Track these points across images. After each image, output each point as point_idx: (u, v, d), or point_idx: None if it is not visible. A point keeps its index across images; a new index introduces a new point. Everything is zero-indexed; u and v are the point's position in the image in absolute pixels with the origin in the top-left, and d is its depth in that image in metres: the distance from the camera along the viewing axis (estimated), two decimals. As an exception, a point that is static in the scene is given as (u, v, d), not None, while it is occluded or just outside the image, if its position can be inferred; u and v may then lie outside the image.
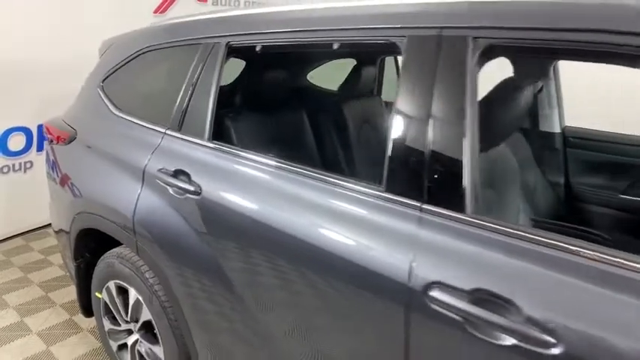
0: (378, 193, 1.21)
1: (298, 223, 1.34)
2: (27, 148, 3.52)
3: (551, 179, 2.25)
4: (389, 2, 1.35)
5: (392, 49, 1.28)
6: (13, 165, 3.48)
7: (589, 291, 0.91)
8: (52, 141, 2.30)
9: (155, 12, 4.11)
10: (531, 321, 0.93)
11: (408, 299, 1.09)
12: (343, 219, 1.26)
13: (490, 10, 1.13)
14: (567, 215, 2.21)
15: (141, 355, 2.00)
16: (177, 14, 3.42)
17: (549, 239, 0.98)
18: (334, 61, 3.05)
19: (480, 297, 1.00)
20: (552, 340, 0.91)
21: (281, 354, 1.46)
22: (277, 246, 1.38)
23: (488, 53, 1.12)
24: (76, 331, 2.58)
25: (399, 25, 1.26)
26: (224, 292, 1.54)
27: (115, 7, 3.66)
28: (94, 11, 3.54)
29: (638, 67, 1.03)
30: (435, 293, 1.05)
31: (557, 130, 2.33)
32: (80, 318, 2.61)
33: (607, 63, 1.17)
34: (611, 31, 0.97)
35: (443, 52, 1.15)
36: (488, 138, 1.38)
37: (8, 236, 3.60)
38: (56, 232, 2.44)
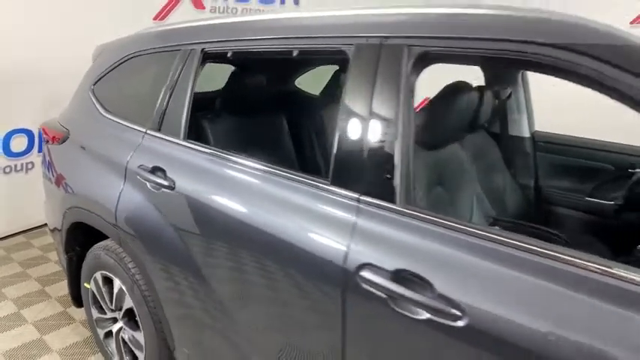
0: (324, 185, 1.34)
1: (258, 214, 1.46)
2: (29, 149, 3.67)
3: (520, 182, 2.35)
4: (343, 13, 1.48)
5: (343, 57, 1.40)
6: (15, 165, 3.63)
7: (494, 271, 1.03)
8: (47, 141, 2.44)
9: (155, 19, 4.20)
10: (442, 297, 1.05)
11: (343, 279, 1.21)
12: (293, 208, 1.39)
13: (422, 21, 1.26)
14: (535, 217, 2.31)
15: (124, 342, 2.12)
16: (176, 21, 3.54)
17: (464, 226, 1.10)
18: (320, 67, 3.19)
19: (401, 276, 1.12)
20: (459, 314, 1.02)
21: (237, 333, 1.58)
22: (239, 236, 1.50)
23: (422, 60, 1.24)
24: (69, 322, 2.71)
25: (348, 35, 1.39)
26: (194, 279, 1.66)
27: (115, 13, 3.77)
28: (94, 17, 3.67)
29: (549, 74, 1.13)
30: (365, 273, 1.17)
31: (526, 134, 2.43)
32: (73, 310, 2.74)
33: (524, 70, 1.28)
34: (524, 42, 1.09)
35: (382, 59, 1.28)
36: (433, 139, 1.50)
37: (10, 234, 3.75)
38: (51, 231, 2.57)
